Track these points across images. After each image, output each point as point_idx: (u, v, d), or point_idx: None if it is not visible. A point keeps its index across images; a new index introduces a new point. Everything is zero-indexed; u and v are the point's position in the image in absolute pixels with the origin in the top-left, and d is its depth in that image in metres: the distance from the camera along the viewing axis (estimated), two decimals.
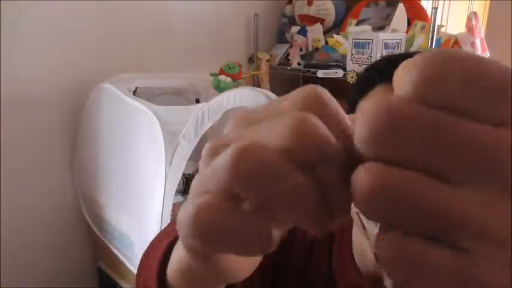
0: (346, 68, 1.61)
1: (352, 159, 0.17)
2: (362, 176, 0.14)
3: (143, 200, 1.22)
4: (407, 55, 0.63)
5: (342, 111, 0.18)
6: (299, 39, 1.88)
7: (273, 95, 1.48)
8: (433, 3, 1.64)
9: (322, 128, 0.17)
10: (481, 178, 0.13)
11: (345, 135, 0.17)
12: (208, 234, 0.17)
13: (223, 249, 0.18)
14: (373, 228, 0.20)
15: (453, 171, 0.14)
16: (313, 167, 0.17)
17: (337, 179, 0.17)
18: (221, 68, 1.60)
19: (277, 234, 0.18)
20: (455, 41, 1.52)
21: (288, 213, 0.17)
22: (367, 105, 0.15)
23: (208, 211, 0.17)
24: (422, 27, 1.56)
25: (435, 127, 0.14)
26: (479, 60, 0.14)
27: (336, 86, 1.71)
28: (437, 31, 1.48)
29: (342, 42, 1.70)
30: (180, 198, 1.46)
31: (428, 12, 1.63)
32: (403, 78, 0.15)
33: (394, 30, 1.61)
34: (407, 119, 0.14)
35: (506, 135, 0.13)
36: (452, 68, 0.14)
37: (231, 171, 0.16)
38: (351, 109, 0.56)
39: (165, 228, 0.51)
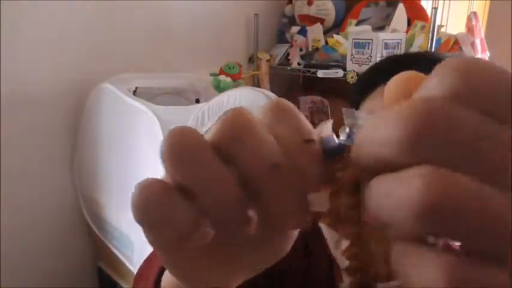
0: (346, 68, 1.61)
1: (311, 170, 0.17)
2: (420, 186, 0.13)
3: None
4: (410, 55, 0.63)
5: (305, 121, 0.19)
6: (299, 39, 1.87)
7: (273, 95, 1.47)
8: (433, 3, 1.64)
9: (248, 120, 0.17)
10: None
11: (303, 142, 0.18)
12: (142, 207, 0.17)
13: (151, 224, 0.18)
14: (333, 237, 0.20)
15: (498, 176, 0.13)
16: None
17: (272, 182, 0.17)
18: (221, 68, 1.60)
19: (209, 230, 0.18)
20: (455, 41, 1.52)
21: (203, 198, 0.17)
22: (405, 106, 0.14)
23: (145, 187, 0.17)
24: (422, 27, 1.56)
25: (482, 130, 0.13)
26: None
27: (336, 86, 1.72)
28: (437, 31, 1.48)
29: (342, 42, 1.70)
30: None
31: (428, 12, 1.63)
32: (435, 80, 0.14)
33: (394, 30, 1.61)
34: (454, 120, 0.13)
35: None
36: (495, 76, 0.14)
37: (164, 150, 0.17)
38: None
39: None
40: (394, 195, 0.13)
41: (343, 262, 0.18)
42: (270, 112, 0.19)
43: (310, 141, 0.18)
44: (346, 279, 0.19)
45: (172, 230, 0.17)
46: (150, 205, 0.17)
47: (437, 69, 0.15)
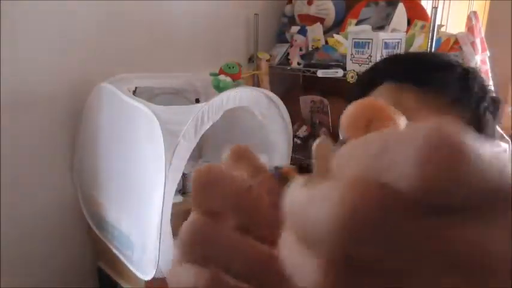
0: (346, 67, 1.61)
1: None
2: None
3: (143, 200, 1.22)
4: (409, 55, 0.63)
5: (258, 161, 0.21)
6: (299, 39, 1.87)
7: (272, 95, 1.47)
8: (433, 2, 1.64)
9: (214, 169, 0.19)
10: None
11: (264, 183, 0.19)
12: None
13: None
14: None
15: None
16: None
17: (250, 200, 0.18)
18: (221, 68, 1.59)
19: None
20: (455, 41, 1.52)
21: (244, 275, 0.18)
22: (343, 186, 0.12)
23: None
24: (422, 27, 1.56)
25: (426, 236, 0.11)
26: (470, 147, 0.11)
27: (336, 86, 1.72)
28: (437, 31, 1.48)
29: (342, 42, 1.69)
30: (179, 198, 1.46)
31: (428, 11, 1.63)
32: (397, 155, 0.11)
33: (394, 30, 1.61)
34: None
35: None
36: (456, 161, 0.11)
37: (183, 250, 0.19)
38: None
39: None
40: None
41: None
42: (228, 159, 0.21)
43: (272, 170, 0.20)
44: None
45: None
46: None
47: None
